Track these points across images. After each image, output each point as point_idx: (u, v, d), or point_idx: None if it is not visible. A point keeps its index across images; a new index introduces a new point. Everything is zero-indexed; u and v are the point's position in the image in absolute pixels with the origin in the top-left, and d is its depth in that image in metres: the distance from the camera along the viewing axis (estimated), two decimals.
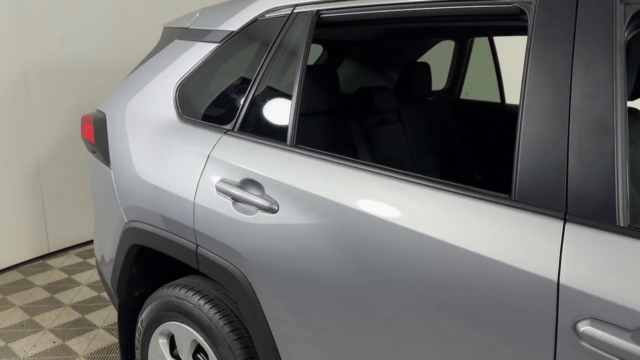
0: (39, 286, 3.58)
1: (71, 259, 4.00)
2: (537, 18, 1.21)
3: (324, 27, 1.73)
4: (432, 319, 1.25)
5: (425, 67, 2.68)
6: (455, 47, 3.03)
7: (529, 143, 1.16)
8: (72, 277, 3.72)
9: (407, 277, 1.29)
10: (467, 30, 2.89)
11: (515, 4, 1.27)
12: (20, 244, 3.85)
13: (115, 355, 2.80)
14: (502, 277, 1.13)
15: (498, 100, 2.94)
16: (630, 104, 2.18)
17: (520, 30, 2.49)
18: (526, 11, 1.25)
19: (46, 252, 4.02)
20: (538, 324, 1.08)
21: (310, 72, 1.95)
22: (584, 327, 1.03)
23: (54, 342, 2.93)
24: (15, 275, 3.74)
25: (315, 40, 3.09)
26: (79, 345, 2.91)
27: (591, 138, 1.09)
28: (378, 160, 2.43)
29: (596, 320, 1.02)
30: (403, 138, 2.51)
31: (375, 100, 2.45)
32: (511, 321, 1.12)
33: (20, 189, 3.78)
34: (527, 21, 1.24)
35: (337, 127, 2.23)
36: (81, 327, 3.09)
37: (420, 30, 2.82)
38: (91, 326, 3.09)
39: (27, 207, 3.85)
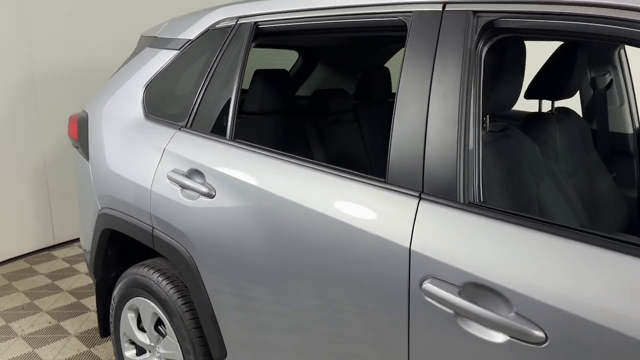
0: (42, 274, 3.88)
1: (74, 250, 4.30)
2: (412, 29, 1.43)
3: (264, 36, 1.96)
4: (327, 287, 1.47)
5: (385, 71, 2.90)
6: None
7: (397, 136, 1.38)
8: (73, 266, 4.01)
9: (310, 251, 1.51)
10: None
11: (399, 17, 1.49)
12: (28, 236, 4.16)
13: None
14: (373, 246, 1.35)
15: None
16: (563, 102, 2.37)
17: None
18: (407, 23, 1.46)
19: (52, 243, 4.32)
20: (396, 283, 1.30)
21: (258, 76, 2.18)
22: (427, 284, 1.24)
23: (50, 323, 3.21)
24: (21, 264, 4.04)
25: (289, 47, 3.33)
26: (72, 325, 3.18)
27: (442, 131, 1.30)
28: (332, 155, 2.65)
29: (436, 279, 1.23)
30: (358, 136, 2.72)
31: (330, 102, 2.68)
32: (379, 282, 1.34)
33: (29, 186, 4.09)
34: (407, 31, 1.46)
35: (283, 125, 2.46)
36: (76, 310, 3.36)
37: (374, 38, 3.03)
38: (85, 309, 3.36)
39: (35, 202, 4.15)
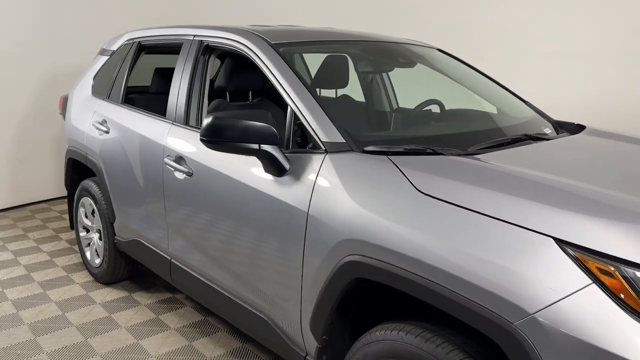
0: (55, 210, 5.64)
1: None
2: (182, 47, 3.02)
3: (145, 49, 3.59)
4: (143, 172, 3.07)
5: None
6: None
7: (170, 98, 2.98)
8: None
9: (139, 154, 3.12)
10: None
11: (182, 41, 3.08)
12: (48, 186, 5.94)
13: None
14: (156, 147, 2.95)
15: None
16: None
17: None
18: (183, 44, 3.06)
19: (65, 193, 6.06)
20: (160, 161, 2.89)
21: (156, 71, 3.84)
22: (166, 159, 2.83)
23: (51, 234, 4.95)
24: (43, 206, 5.83)
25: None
26: (65, 235, 4.91)
27: (183, 96, 2.89)
28: None
29: (169, 156, 2.82)
30: None
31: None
32: (155, 162, 2.93)
33: (50, 152, 5.87)
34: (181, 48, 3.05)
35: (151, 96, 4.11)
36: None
37: None
38: None
39: (54, 164, 5.92)
